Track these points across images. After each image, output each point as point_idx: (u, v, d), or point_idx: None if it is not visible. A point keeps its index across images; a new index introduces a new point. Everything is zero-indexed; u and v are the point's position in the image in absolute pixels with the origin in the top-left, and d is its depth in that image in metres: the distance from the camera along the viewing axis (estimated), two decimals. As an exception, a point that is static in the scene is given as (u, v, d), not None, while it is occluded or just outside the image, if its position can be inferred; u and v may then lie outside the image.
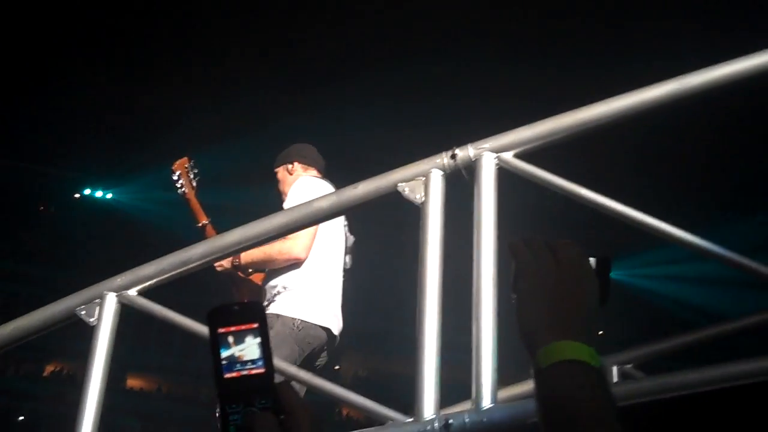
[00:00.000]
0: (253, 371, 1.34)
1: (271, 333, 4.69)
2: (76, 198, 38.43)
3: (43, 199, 37.86)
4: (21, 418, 38.49)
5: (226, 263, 5.14)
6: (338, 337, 5.13)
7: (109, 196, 38.25)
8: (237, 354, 1.35)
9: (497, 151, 3.24)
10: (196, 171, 5.65)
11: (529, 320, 1.42)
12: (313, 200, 3.49)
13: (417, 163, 3.30)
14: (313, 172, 5.50)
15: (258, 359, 1.35)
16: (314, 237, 5.05)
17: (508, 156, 3.23)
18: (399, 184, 3.27)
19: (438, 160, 3.27)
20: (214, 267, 5.14)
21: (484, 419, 2.87)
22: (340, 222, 5.33)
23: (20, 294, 38.43)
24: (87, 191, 39.09)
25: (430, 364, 3.01)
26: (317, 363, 5.06)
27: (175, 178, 5.61)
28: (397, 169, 3.32)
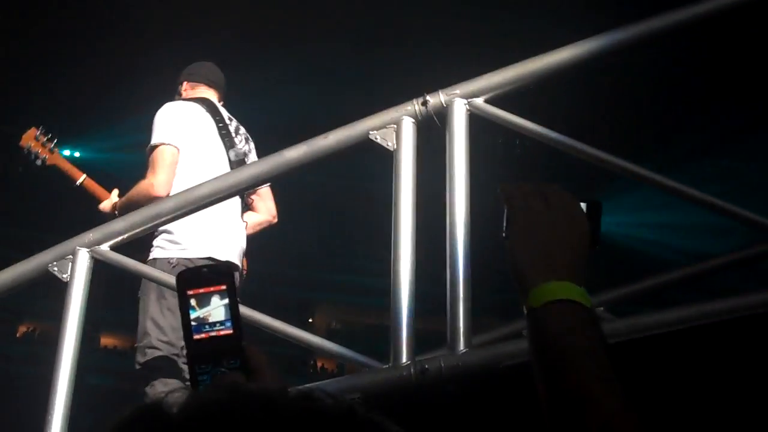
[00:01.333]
0: (222, 332, 1.35)
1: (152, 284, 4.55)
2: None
3: (8, 159, 37.57)
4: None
5: (109, 208, 5.06)
6: (239, 261, 4.89)
7: (77, 154, 37.97)
8: (204, 315, 1.36)
9: (468, 96, 3.24)
10: (49, 135, 5.46)
11: (521, 262, 1.43)
12: (283, 151, 3.46)
13: (388, 110, 3.29)
14: (201, 88, 5.29)
15: (226, 320, 1.36)
16: (172, 169, 4.79)
17: (479, 101, 3.24)
18: (370, 132, 3.26)
19: (409, 107, 3.27)
20: (101, 211, 5.09)
21: (460, 363, 2.90)
22: (217, 141, 5.10)
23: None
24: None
25: (405, 310, 3.02)
26: None
27: (26, 152, 5.45)
28: (368, 118, 3.32)
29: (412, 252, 3.09)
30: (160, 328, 4.60)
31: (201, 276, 1.38)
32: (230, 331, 1.36)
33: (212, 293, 1.36)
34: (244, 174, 3.56)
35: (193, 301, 1.36)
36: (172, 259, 4.70)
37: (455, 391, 3.00)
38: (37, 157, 5.40)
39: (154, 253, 4.72)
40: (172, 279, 4.22)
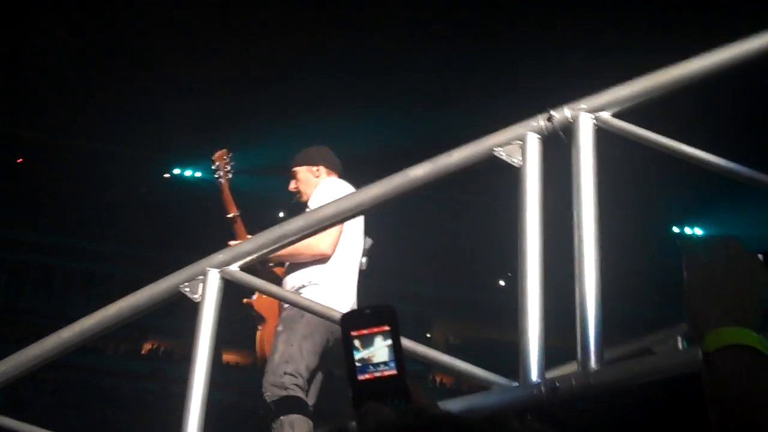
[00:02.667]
0: (386, 373, 1.37)
1: (303, 321, 4.85)
2: (166, 178, 39.18)
3: (134, 181, 38.56)
4: (122, 395, 39.43)
5: None
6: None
7: (198, 174, 38.81)
8: (368, 356, 1.38)
9: (594, 111, 3.19)
10: (232, 164, 5.85)
11: (698, 307, 1.46)
12: (407, 169, 3.47)
13: (513, 126, 3.27)
14: (334, 176, 5.56)
15: (390, 361, 1.37)
16: (340, 234, 5.14)
17: (606, 115, 3.19)
18: (495, 149, 3.24)
19: (534, 123, 3.24)
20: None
21: (592, 381, 2.85)
22: (360, 223, 5.39)
23: (116, 275, 39.31)
24: (176, 171, 39.77)
25: (534, 328, 2.99)
26: (332, 363, 5.14)
27: (213, 167, 5.82)
28: (493, 134, 3.30)
29: (540, 269, 3.06)
30: (302, 362, 4.82)
31: (364, 317, 1.41)
32: (394, 372, 1.38)
33: (375, 334, 1.38)
34: (368, 194, 3.56)
35: (357, 342, 1.38)
36: None
37: (587, 409, 2.95)
38: (218, 175, 5.78)
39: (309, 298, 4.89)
40: (302, 299, 4.35)
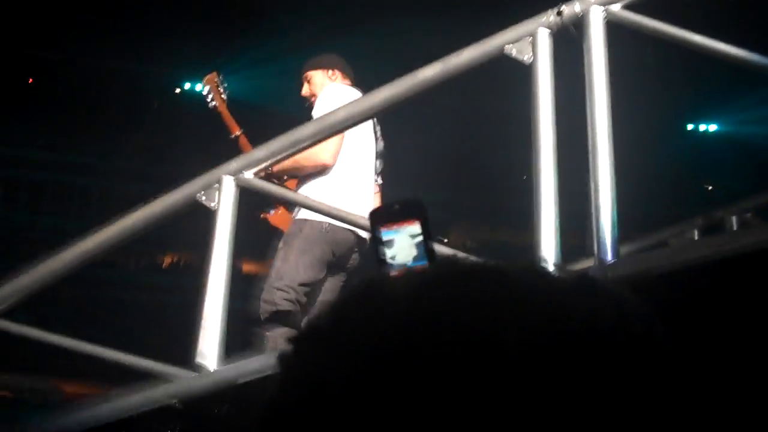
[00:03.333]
0: (418, 268, 1.31)
1: (301, 236, 4.87)
2: (177, 93, 39.00)
3: (144, 97, 38.42)
4: (143, 308, 39.87)
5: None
6: (368, 240, 5.17)
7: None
8: (398, 253, 1.34)
9: (604, 3, 3.16)
10: (225, 85, 5.78)
11: None
12: (417, 71, 3.45)
13: (522, 23, 3.24)
14: (348, 82, 5.50)
15: (420, 255, 1.34)
16: (341, 143, 5.06)
17: (616, 7, 3.15)
18: (506, 46, 3.22)
19: (544, 19, 3.21)
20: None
21: (608, 274, 2.86)
22: (369, 127, 5.34)
23: (132, 191, 39.44)
24: (187, 85, 39.66)
25: (549, 224, 3.00)
26: (349, 264, 5.18)
27: (205, 92, 5.77)
28: (503, 31, 3.27)
29: (554, 165, 3.06)
30: (296, 277, 4.85)
31: (393, 213, 1.36)
32: (426, 265, 1.32)
33: (405, 228, 1.34)
34: (379, 96, 3.54)
35: (386, 239, 1.34)
36: (325, 224, 4.91)
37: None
38: (212, 99, 5.73)
39: (307, 214, 4.92)
40: (318, 204, 4.37)
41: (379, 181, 5.51)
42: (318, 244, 4.91)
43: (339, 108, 3.71)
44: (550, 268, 2.92)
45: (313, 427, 0.67)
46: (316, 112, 5.04)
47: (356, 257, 5.19)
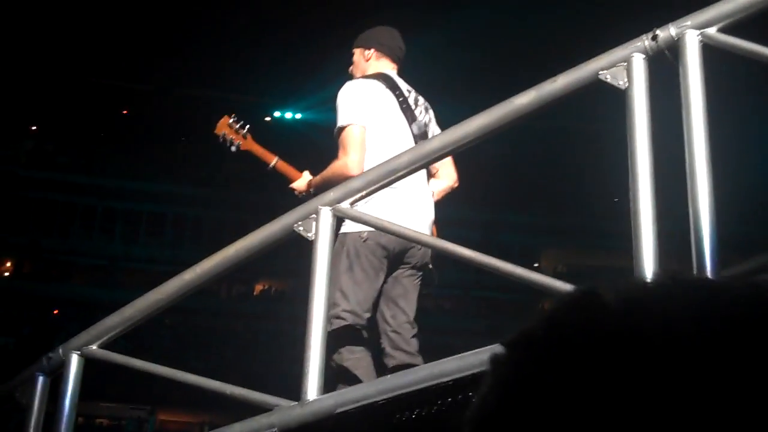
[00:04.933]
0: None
1: (344, 252, 4.77)
2: (267, 121, 39.59)
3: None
4: (238, 335, 40.39)
5: (304, 187, 5.21)
6: (429, 233, 5.04)
7: (298, 116, 39.19)
8: None
9: (699, 27, 3.14)
10: (242, 122, 5.61)
11: None
12: (512, 98, 3.47)
13: (617, 48, 3.24)
14: (386, 61, 5.34)
15: None
16: (363, 148, 4.90)
17: (712, 31, 3.13)
18: (600, 72, 3.22)
19: (639, 44, 3.20)
20: (293, 191, 5.27)
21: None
22: (404, 125, 5.15)
23: (226, 220, 40.08)
24: (277, 114, 40.19)
25: (648, 249, 2.98)
26: (410, 262, 5.00)
27: (221, 140, 5.61)
28: (597, 57, 3.27)
29: (651, 191, 3.05)
30: (348, 300, 4.72)
31: None
32: None
33: None
34: (473, 125, 3.57)
35: None
36: (363, 233, 4.81)
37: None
38: (231, 143, 5.59)
39: (345, 228, 4.81)
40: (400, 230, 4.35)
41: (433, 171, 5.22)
42: (362, 256, 4.81)
43: (434, 138, 3.75)
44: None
45: (526, 426, 0.70)
46: (338, 112, 4.99)
47: (417, 251, 4.99)
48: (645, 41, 3.20)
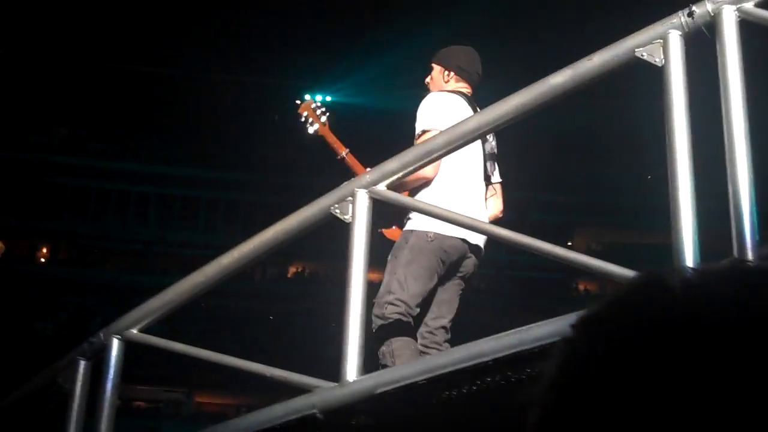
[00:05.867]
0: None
1: (407, 247, 4.83)
2: (297, 104, 39.51)
3: (268, 109, 39.14)
4: (271, 318, 40.59)
5: None
6: (483, 247, 5.14)
7: (328, 98, 39.28)
8: None
9: (736, 2, 3.11)
10: (323, 108, 5.72)
11: None
12: (548, 77, 3.46)
13: (653, 25, 3.22)
14: (464, 84, 5.39)
15: None
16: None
17: (749, 6, 3.10)
18: (636, 50, 3.20)
19: (675, 20, 3.18)
20: None
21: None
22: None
23: (260, 203, 40.23)
24: (307, 97, 40.25)
25: (687, 226, 2.97)
26: (462, 272, 5.11)
27: (302, 120, 5.71)
28: (633, 35, 3.25)
29: (690, 168, 3.03)
30: (404, 290, 4.78)
31: None
32: None
33: None
34: (510, 104, 3.56)
35: None
36: (430, 233, 4.88)
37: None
38: (311, 125, 5.70)
39: (413, 224, 4.90)
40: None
41: (496, 180, 5.41)
42: (424, 254, 4.88)
43: (470, 117, 3.75)
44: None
45: (595, 401, 0.73)
46: (418, 119, 5.05)
47: (470, 263, 5.14)
48: (681, 18, 3.18)
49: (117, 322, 4.25)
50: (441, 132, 3.85)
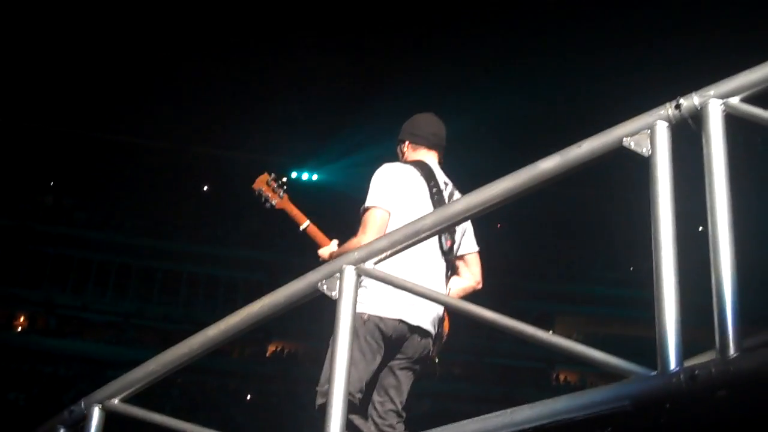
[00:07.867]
0: None
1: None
2: (284, 181, 39.63)
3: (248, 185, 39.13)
4: (249, 397, 40.17)
5: (327, 256, 5.32)
6: (431, 327, 5.11)
7: (315, 177, 39.37)
8: None
9: (723, 97, 3.18)
10: (281, 181, 5.82)
11: None
12: (537, 162, 3.51)
13: (641, 116, 3.28)
14: (423, 151, 5.41)
15: None
16: (381, 232, 4.91)
17: (735, 101, 3.17)
18: (624, 139, 3.26)
19: (662, 111, 3.24)
20: (319, 255, 5.39)
21: (732, 368, 2.83)
22: (427, 200, 5.22)
23: (240, 280, 40.09)
24: (294, 174, 40.39)
25: (671, 316, 2.99)
26: (407, 354, 5.07)
27: (257, 195, 5.80)
28: (621, 124, 3.31)
29: (674, 258, 3.06)
30: None
31: None
32: None
33: None
34: (497, 188, 3.59)
35: None
36: (365, 314, 4.91)
37: (728, 398, 2.92)
38: (267, 200, 5.76)
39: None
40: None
41: (465, 251, 5.35)
42: (361, 336, 4.87)
43: (459, 200, 3.78)
44: (672, 368, 2.85)
45: None
46: (368, 193, 5.08)
47: (419, 345, 5.08)
48: (668, 109, 3.24)
49: (99, 391, 4.23)
50: (430, 213, 3.89)
